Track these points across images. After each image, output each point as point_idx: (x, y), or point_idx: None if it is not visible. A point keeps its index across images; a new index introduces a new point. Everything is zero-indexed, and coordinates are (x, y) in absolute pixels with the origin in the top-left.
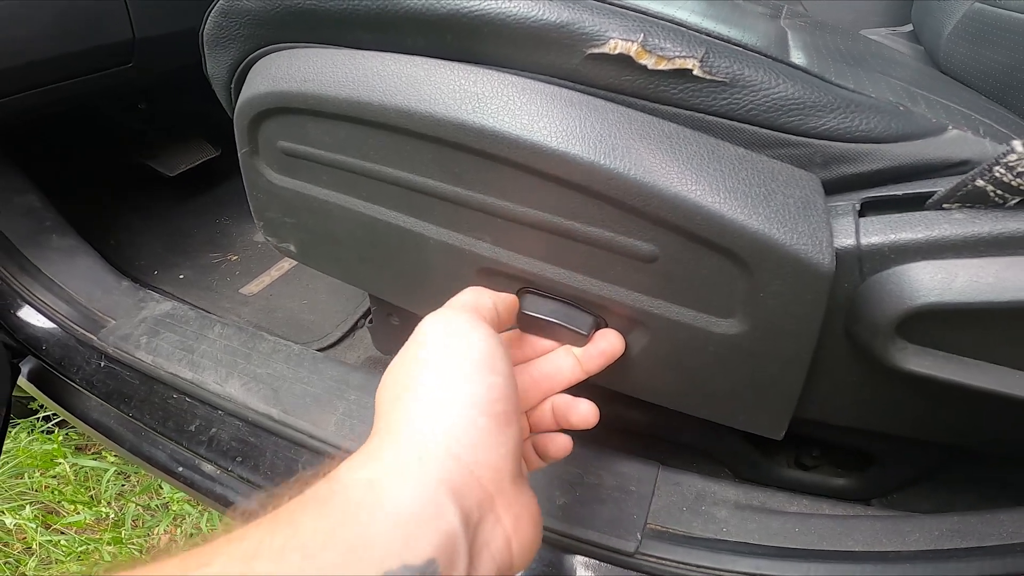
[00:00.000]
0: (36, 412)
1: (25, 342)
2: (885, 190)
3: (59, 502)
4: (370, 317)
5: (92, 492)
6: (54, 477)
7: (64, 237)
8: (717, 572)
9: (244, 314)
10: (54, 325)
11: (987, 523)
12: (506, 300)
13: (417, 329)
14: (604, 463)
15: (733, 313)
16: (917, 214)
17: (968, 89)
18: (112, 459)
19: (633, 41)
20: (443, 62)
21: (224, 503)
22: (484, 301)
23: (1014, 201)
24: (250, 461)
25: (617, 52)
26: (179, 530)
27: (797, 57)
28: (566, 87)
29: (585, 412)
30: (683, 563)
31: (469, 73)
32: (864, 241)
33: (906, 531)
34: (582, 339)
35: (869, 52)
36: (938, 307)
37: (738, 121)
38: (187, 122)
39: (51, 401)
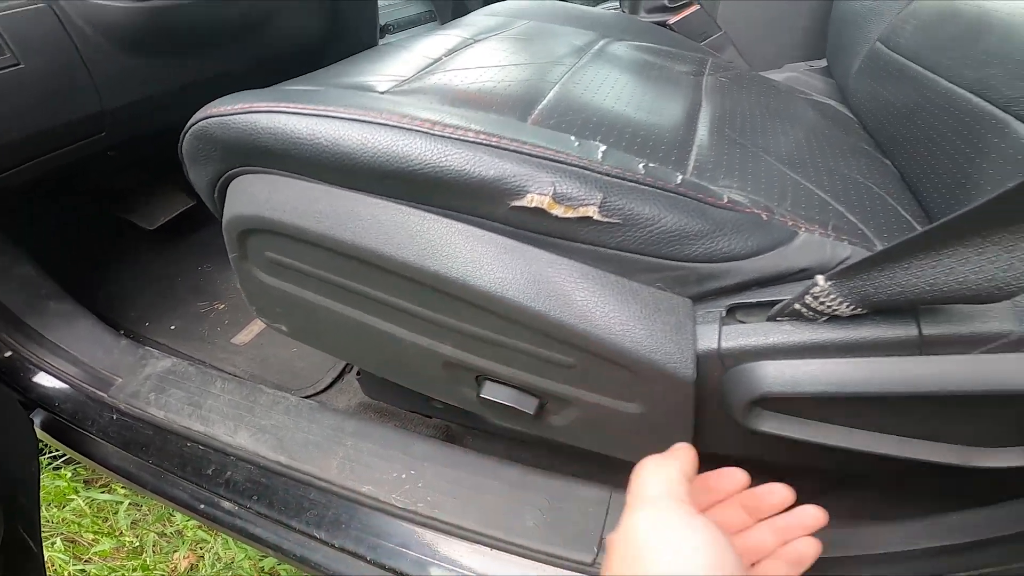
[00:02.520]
0: (43, 451)
1: (38, 400)
2: (746, 296)
3: (80, 533)
4: (357, 368)
5: (109, 523)
6: (71, 511)
7: (61, 303)
8: None
9: (239, 364)
10: (64, 384)
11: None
12: (688, 458)
13: (632, 534)
14: (568, 490)
15: (634, 400)
16: (758, 325)
17: (850, 152)
18: (122, 491)
19: (545, 195)
20: (406, 208)
21: (245, 535)
22: (680, 479)
23: (823, 319)
24: (265, 499)
25: (533, 205)
26: (202, 561)
27: (700, 138)
28: (502, 231)
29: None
30: None
31: (425, 221)
32: (723, 346)
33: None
34: (528, 416)
35: (777, 112)
36: (774, 394)
37: (631, 253)
38: (160, 171)
39: (69, 449)
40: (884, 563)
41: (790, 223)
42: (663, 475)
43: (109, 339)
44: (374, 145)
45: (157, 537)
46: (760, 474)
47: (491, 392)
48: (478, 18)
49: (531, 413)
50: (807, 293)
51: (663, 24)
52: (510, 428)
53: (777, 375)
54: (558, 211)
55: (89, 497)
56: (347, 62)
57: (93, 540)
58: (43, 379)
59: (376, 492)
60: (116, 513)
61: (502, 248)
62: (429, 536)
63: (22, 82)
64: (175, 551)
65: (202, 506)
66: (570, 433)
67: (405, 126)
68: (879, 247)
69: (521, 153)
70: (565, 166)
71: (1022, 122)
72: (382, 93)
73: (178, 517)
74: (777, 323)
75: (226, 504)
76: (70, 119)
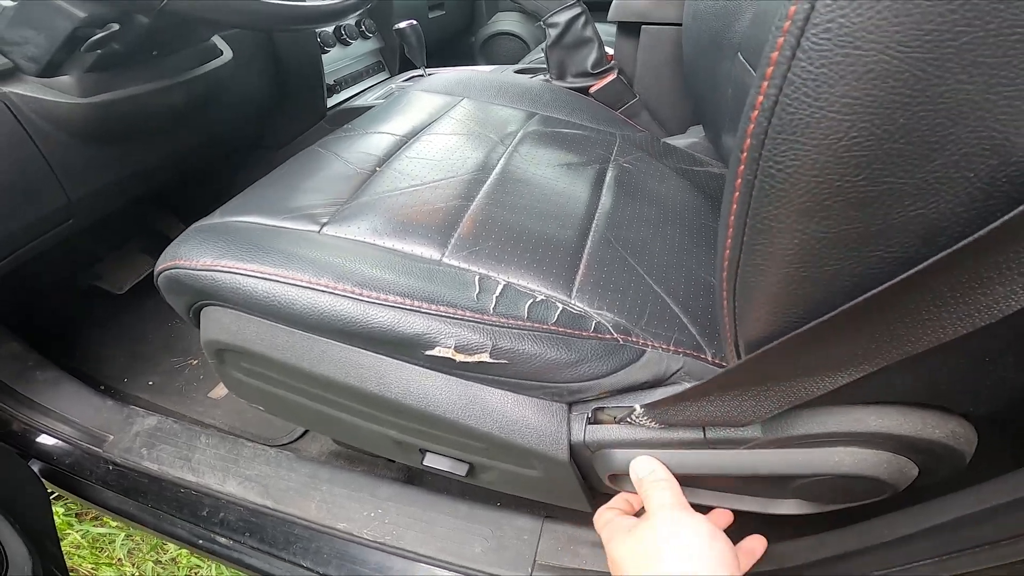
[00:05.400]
0: None
1: (37, 457)
2: (606, 402)
3: (81, 565)
4: None
5: (107, 553)
6: (69, 544)
7: (46, 371)
8: None
9: (218, 416)
10: (59, 442)
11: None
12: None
13: (650, 537)
14: (507, 520)
15: (533, 469)
16: (610, 427)
17: (709, 241)
18: (114, 524)
19: (448, 347)
20: (348, 347)
21: (241, 564)
22: (679, 491)
23: (647, 424)
24: (256, 535)
25: (440, 355)
26: None
27: (589, 253)
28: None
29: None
30: None
31: (365, 357)
32: (587, 439)
33: None
34: (460, 477)
35: (662, 204)
36: (620, 471)
37: (522, 379)
38: (123, 237)
39: (70, 494)
40: None
41: (640, 343)
42: (669, 488)
43: (96, 400)
44: (317, 308)
45: (154, 565)
46: None
47: (432, 461)
48: (421, 97)
49: (463, 475)
50: (631, 414)
51: (585, 90)
52: None
53: (621, 459)
54: (460, 357)
55: (84, 530)
56: (293, 174)
57: (93, 570)
58: (40, 438)
59: (350, 528)
60: (112, 544)
61: (424, 375)
62: (397, 563)
63: None
64: None
65: (200, 541)
66: (496, 485)
67: (339, 292)
68: (708, 353)
69: (429, 313)
70: (463, 320)
71: None
72: (321, 228)
73: (171, 546)
74: (620, 425)
75: (222, 540)
76: (38, 216)
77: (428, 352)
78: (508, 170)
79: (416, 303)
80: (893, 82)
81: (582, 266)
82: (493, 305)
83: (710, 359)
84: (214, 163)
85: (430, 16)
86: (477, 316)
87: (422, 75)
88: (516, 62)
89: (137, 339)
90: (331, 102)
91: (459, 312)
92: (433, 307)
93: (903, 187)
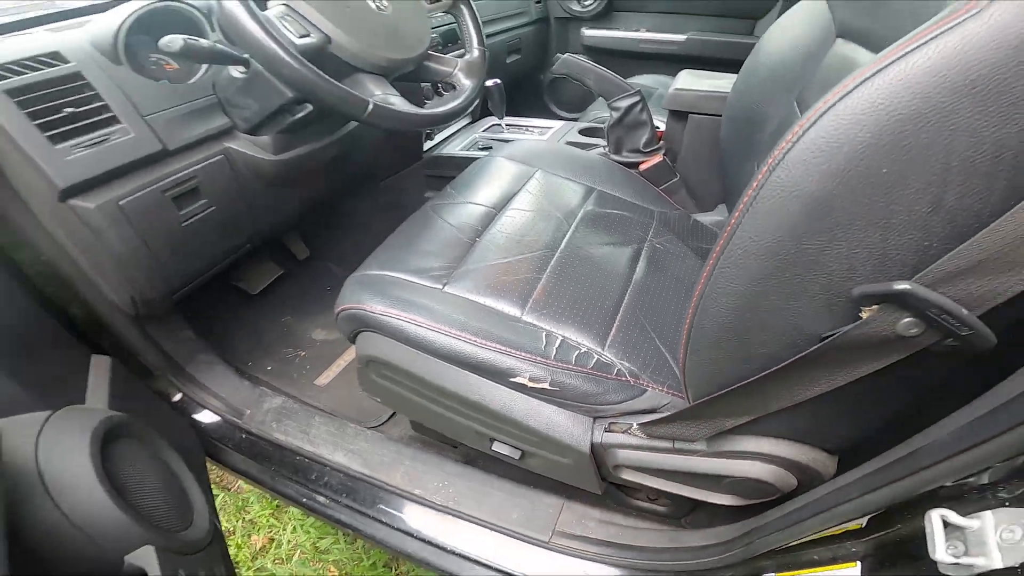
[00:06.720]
0: None
1: (195, 427)
2: (617, 419)
3: None
4: None
5: None
6: None
7: (206, 354)
8: (583, 550)
9: (323, 400)
10: (210, 413)
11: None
12: None
13: None
14: (537, 497)
15: (566, 457)
16: (619, 435)
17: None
18: None
19: (524, 377)
20: (463, 371)
21: (334, 520)
22: None
23: (640, 436)
24: (351, 496)
25: (519, 382)
26: (273, 543)
27: (620, 320)
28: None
29: None
30: (569, 546)
31: (471, 378)
32: (603, 441)
33: (681, 536)
34: (515, 459)
35: (678, 279)
36: (621, 464)
37: (566, 400)
38: (262, 250)
39: (208, 458)
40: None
41: (645, 384)
42: None
43: (235, 380)
44: (446, 346)
45: (236, 522)
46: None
47: (497, 447)
48: (503, 166)
49: (517, 459)
50: (631, 428)
51: (635, 165)
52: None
53: (623, 455)
54: (531, 385)
55: None
56: (417, 236)
57: None
58: (200, 413)
59: (424, 494)
60: None
61: (506, 392)
62: (457, 523)
63: (213, 221)
64: (250, 535)
65: (304, 500)
66: (538, 469)
67: (462, 338)
68: (688, 395)
69: (514, 356)
70: (535, 362)
71: None
72: (444, 287)
73: (253, 508)
74: (624, 435)
75: (321, 499)
76: (233, 244)
77: (511, 379)
78: (569, 249)
79: (507, 348)
80: (785, 243)
81: (614, 328)
82: (554, 354)
83: (689, 399)
84: (333, 193)
85: (507, 61)
86: (543, 360)
87: (499, 124)
88: (579, 105)
89: (255, 330)
90: (425, 146)
91: (532, 356)
92: (517, 352)
93: (783, 310)
